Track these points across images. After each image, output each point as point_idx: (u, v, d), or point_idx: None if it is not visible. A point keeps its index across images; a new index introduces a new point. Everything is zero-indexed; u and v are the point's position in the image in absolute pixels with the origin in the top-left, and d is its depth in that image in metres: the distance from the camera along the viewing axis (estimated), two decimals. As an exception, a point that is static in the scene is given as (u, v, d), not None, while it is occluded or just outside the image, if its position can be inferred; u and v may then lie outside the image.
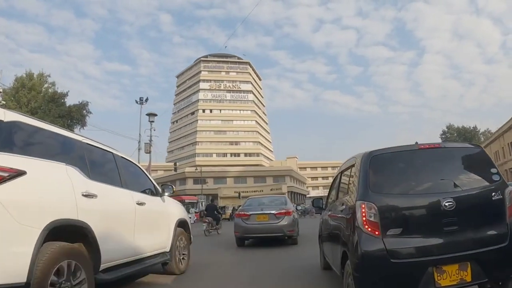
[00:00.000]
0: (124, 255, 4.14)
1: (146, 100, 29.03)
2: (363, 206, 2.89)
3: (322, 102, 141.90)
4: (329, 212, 4.39)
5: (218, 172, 64.21)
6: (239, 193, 43.82)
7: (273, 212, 9.29)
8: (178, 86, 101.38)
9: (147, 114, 27.94)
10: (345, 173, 4.02)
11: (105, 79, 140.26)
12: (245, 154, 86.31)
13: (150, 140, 28.30)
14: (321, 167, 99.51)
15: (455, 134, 62.37)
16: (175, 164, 34.45)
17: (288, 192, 53.67)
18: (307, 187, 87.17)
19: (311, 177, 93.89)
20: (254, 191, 51.86)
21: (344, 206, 3.44)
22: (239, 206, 40.30)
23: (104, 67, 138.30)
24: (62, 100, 29.87)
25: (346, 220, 3.23)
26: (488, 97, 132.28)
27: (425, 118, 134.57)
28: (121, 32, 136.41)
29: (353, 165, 3.52)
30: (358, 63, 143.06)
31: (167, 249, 5.35)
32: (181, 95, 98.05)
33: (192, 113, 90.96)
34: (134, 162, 5.34)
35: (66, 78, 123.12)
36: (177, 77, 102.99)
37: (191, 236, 6.46)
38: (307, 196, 79.32)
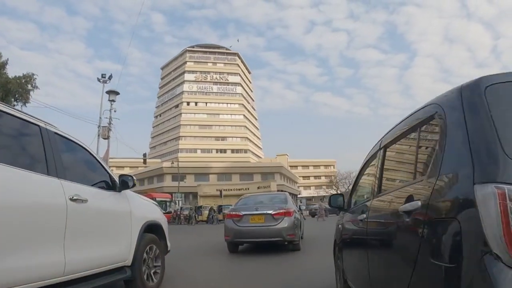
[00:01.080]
0: (43, 275, 2.81)
1: (110, 77, 26.83)
2: (502, 194, 1.23)
3: (313, 103, 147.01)
4: (362, 215, 2.81)
5: (200, 168, 62.25)
6: (221, 191, 41.96)
7: (270, 212, 8.41)
8: (162, 78, 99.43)
9: (107, 92, 25.80)
10: (400, 142, 2.39)
11: (96, 78, 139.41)
12: (232, 151, 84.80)
13: (109, 123, 26.09)
14: (313, 166, 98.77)
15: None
16: (144, 155, 32.39)
17: (277, 191, 52.36)
18: (298, 186, 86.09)
19: (303, 176, 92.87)
20: (239, 189, 50.16)
21: (414, 204, 1.74)
22: (219, 206, 38.91)
23: (96, 65, 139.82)
24: (2, 70, 27.44)
25: (426, 231, 1.61)
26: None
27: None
28: (112, 31, 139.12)
29: (431, 118, 1.92)
30: (349, 65, 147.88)
31: (127, 263, 4.17)
32: (165, 88, 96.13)
33: (176, 106, 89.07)
34: (81, 144, 3.96)
35: (56, 76, 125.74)
36: (162, 68, 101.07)
37: (169, 244, 5.32)
38: (298, 196, 78.32)
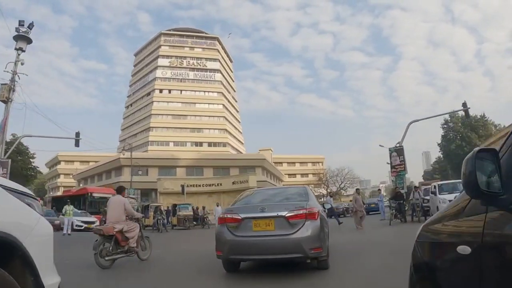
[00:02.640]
0: None
1: (30, 26, 19.84)
2: None
3: (298, 105, 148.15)
4: None
5: (166, 160, 53.51)
6: (183, 187, 32.89)
7: (283, 214, 5.51)
8: (135, 65, 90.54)
9: (14, 38, 19.52)
10: None
11: (81, 77, 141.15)
12: (209, 144, 76.10)
13: (13, 81, 19.52)
14: (300, 162, 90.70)
15: (460, 124, 57.06)
16: (76, 135, 24.05)
17: (258, 188, 43.30)
18: (283, 185, 77.39)
19: (288, 174, 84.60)
20: (210, 185, 41.90)
21: None
22: (174, 205, 28.83)
23: (81, 64, 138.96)
24: None
25: None
26: (461, 104, 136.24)
27: (399, 122, 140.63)
28: (98, 30, 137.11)
29: None
30: (334, 68, 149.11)
31: None
32: (137, 75, 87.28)
33: (148, 94, 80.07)
34: None
35: (41, 75, 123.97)
36: (135, 55, 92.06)
37: (54, 281, 2.15)
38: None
